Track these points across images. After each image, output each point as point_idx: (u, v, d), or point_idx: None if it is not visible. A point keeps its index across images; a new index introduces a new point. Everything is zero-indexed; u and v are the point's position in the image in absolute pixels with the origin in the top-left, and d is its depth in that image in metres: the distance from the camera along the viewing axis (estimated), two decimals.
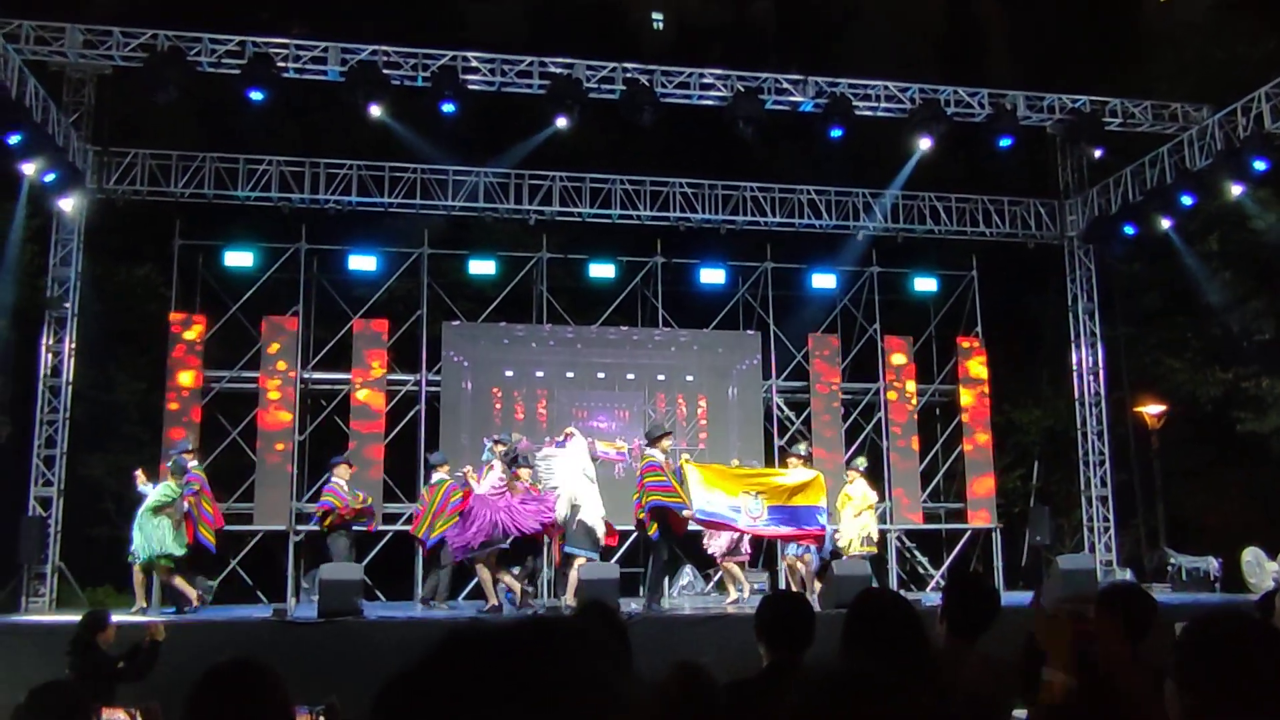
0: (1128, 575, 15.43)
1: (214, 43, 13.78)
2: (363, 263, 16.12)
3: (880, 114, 15.27)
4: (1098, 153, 15.85)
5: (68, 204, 14.47)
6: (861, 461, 13.69)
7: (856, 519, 12.83)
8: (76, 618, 8.88)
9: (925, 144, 15.08)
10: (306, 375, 16.06)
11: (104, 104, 14.71)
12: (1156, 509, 17.28)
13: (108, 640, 7.47)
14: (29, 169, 13.21)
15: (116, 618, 7.90)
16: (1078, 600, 2.90)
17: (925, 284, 17.69)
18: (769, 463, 16.48)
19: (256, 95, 13.47)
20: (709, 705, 2.96)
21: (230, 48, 13.78)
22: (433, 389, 16.12)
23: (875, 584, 11.69)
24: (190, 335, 15.42)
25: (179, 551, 11.53)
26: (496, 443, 12.19)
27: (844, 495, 13.04)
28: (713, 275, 16.93)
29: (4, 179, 13.65)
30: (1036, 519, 16.58)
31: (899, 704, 1.52)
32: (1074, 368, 17.71)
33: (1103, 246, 17.05)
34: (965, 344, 17.56)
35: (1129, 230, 16.23)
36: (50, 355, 14.51)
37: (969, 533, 17.25)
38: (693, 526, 12.36)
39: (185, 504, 11.77)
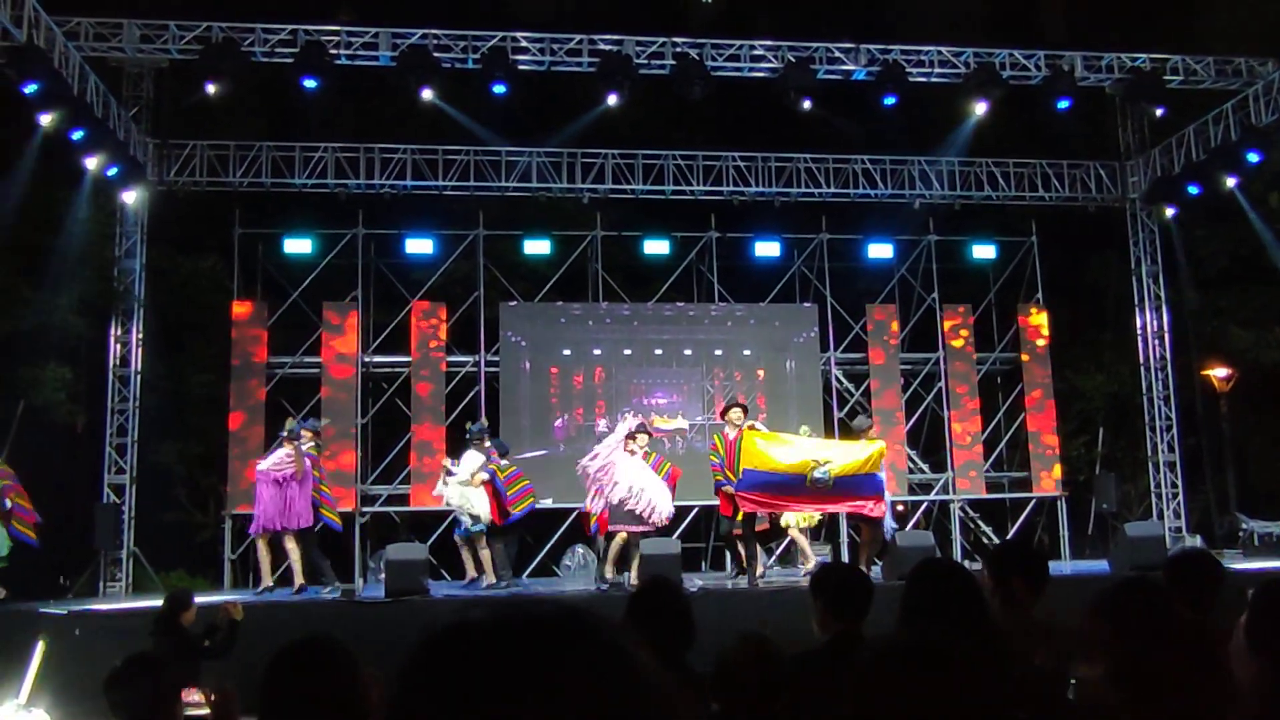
0: (1198, 542, 15.18)
1: (267, 33, 13.94)
2: (419, 246, 16.25)
3: (934, 80, 15.07)
4: (1159, 112, 15.49)
5: (130, 197, 14.77)
6: (805, 430, 13.31)
7: None
8: (152, 602, 9.11)
9: (981, 109, 14.87)
10: (367, 359, 16.26)
11: (162, 97, 14.96)
12: (1226, 474, 16.96)
13: (190, 619, 7.65)
14: (92, 163, 13.49)
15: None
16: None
17: (984, 251, 17.46)
18: (827, 434, 16.42)
19: (310, 83, 13.62)
20: (774, 675, 2.98)
21: (283, 37, 13.94)
22: (491, 370, 16.24)
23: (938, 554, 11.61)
24: (252, 322, 15.67)
25: (2, 551, 11.39)
26: (306, 430, 12.33)
27: None
28: (768, 248, 16.84)
29: (68, 174, 13.95)
30: (1102, 486, 16.35)
31: (962, 674, 1.52)
32: (1138, 332, 17.40)
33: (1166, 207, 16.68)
34: (1026, 310, 17.32)
35: (1193, 190, 15.89)
36: (119, 346, 14.86)
37: (1033, 502, 17.06)
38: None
39: (7, 501, 11.55)
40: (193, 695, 6.17)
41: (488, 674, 0.85)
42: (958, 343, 17.16)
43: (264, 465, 11.96)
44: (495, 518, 11.99)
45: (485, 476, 11.99)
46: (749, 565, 11.70)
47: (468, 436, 12.62)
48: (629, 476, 11.50)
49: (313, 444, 12.40)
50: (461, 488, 12.00)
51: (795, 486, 11.39)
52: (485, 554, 12.03)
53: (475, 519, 11.98)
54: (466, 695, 0.85)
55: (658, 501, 11.50)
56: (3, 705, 8.27)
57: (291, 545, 11.83)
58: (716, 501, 12.17)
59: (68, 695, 8.31)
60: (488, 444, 12.49)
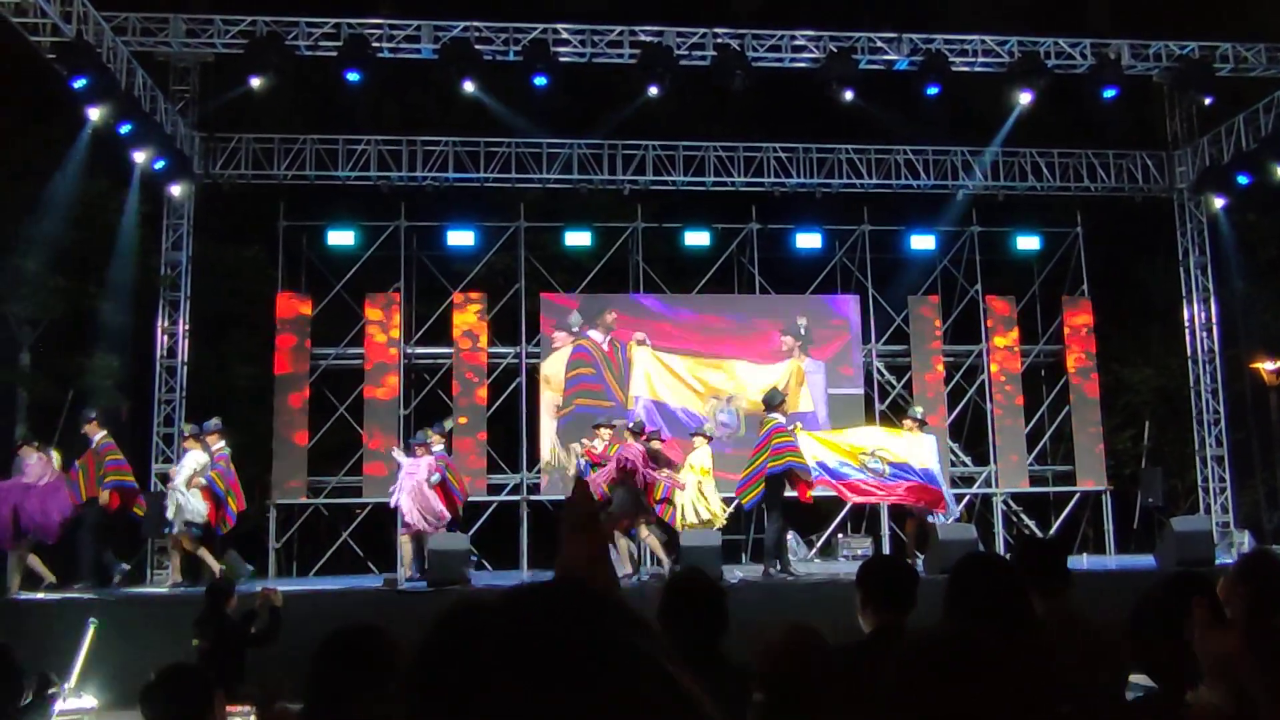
0: (1246, 537, 14.98)
1: (310, 26, 14.05)
2: (461, 238, 16.32)
3: (978, 69, 14.92)
4: (1208, 100, 15.24)
5: (177, 189, 14.97)
6: (710, 427, 12.98)
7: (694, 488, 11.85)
8: (197, 589, 9.24)
9: (1025, 98, 14.70)
10: (409, 350, 16.36)
11: (208, 91, 15.13)
12: (1276, 468, 16.70)
13: (233, 607, 7.76)
14: (140, 157, 13.69)
15: None
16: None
17: (1028, 242, 17.26)
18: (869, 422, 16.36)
19: (353, 76, 13.72)
20: (819, 665, 2.97)
21: (326, 30, 14.04)
22: (532, 361, 16.30)
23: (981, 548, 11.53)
24: (297, 314, 15.82)
25: None
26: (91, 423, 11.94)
27: (686, 464, 12.13)
28: (809, 240, 16.76)
29: (117, 167, 14.16)
30: (1149, 480, 16.15)
31: (1003, 667, 1.51)
32: (1186, 324, 17.14)
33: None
34: (1071, 302, 17.13)
35: (1242, 180, 15.62)
36: (165, 337, 15.05)
37: (1078, 495, 16.89)
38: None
39: None
40: (236, 709, 6.24)
41: (498, 650, 0.86)
42: (1001, 335, 16.99)
43: (29, 480, 11.14)
44: (214, 521, 11.67)
45: (204, 482, 11.59)
46: (775, 557, 11.75)
47: (183, 437, 12.05)
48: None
49: (103, 434, 11.80)
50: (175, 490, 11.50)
51: (850, 471, 11.55)
52: (204, 551, 11.59)
53: (189, 523, 11.49)
54: (476, 672, 0.86)
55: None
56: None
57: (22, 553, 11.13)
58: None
59: (115, 680, 8.46)
60: (220, 444, 12.09)
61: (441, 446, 12.72)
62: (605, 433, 12.08)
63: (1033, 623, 3.02)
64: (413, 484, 12.23)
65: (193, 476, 11.57)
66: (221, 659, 7.21)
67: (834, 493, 12.20)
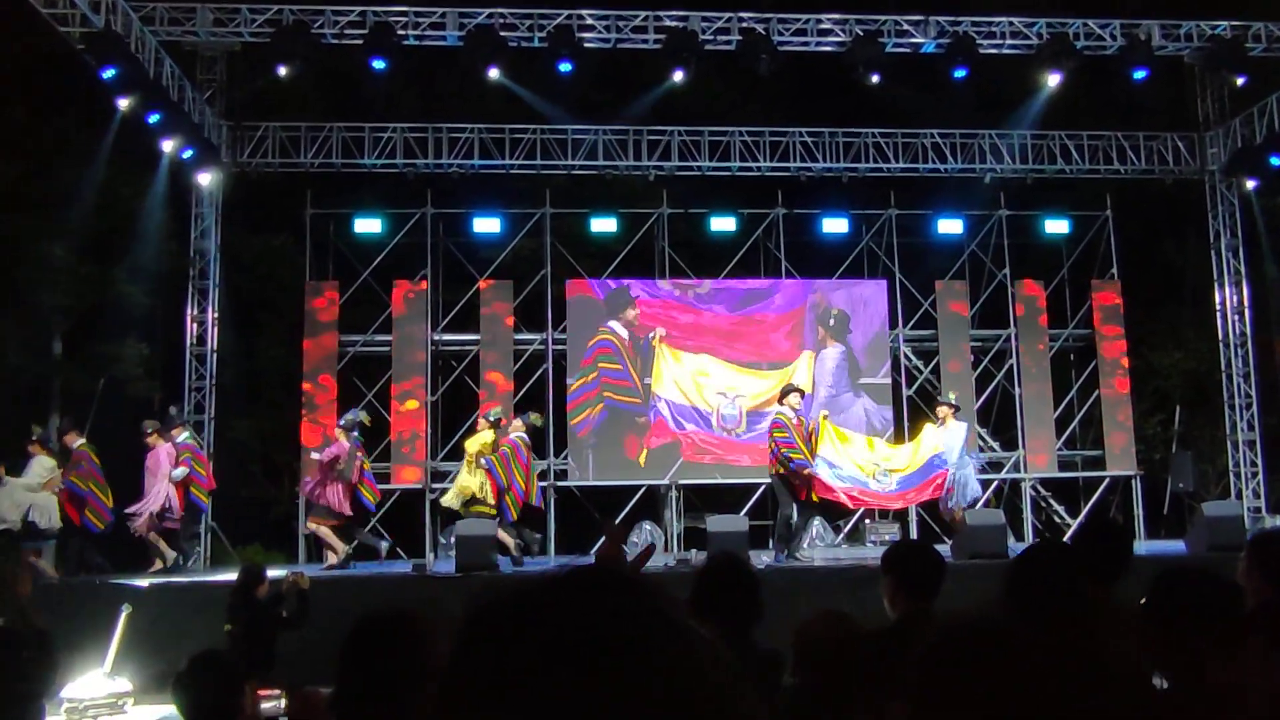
0: (1278, 522, 14.84)
1: (336, 14, 14.08)
2: (487, 225, 16.34)
3: (1006, 51, 14.79)
4: (1240, 80, 15.04)
5: (205, 178, 15.07)
6: (496, 411, 12.69)
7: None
8: (229, 575, 9.33)
9: (1054, 80, 14.57)
10: (436, 337, 16.42)
11: (235, 80, 15.20)
12: None
13: (263, 593, 7.84)
14: (168, 146, 13.79)
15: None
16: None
17: (1057, 226, 17.11)
18: (896, 412, 16.31)
19: (379, 64, 13.75)
20: (854, 651, 2.97)
21: (352, 19, 14.07)
22: (559, 347, 16.32)
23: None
24: (324, 301, 15.91)
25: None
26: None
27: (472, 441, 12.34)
28: (835, 224, 16.67)
29: (145, 156, 14.27)
30: (1179, 465, 16.03)
31: (1034, 656, 1.51)
32: (1217, 308, 16.97)
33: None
34: (1100, 286, 16.98)
35: (1275, 161, 15.43)
36: (195, 325, 15.17)
37: (1107, 480, 16.78)
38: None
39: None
40: (271, 692, 6.29)
41: (535, 641, 0.85)
42: (1029, 319, 16.87)
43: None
44: (76, 521, 11.46)
45: (61, 485, 11.35)
46: (786, 544, 11.75)
47: (29, 441, 11.64)
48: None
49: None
50: (29, 495, 11.19)
51: (860, 483, 11.51)
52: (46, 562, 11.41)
53: (42, 531, 11.23)
54: (515, 666, 0.84)
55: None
56: (88, 674, 8.55)
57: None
58: None
59: (149, 665, 8.57)
60: (80, 441, 11.83)
61: (186, 435, 12.37)
62: (339, 432, 12.39)
63: (1085, 618, 2.99)
64: (150, 474, 12.07)
65: (44, 482, 11.32)
66: (252, 644, 7.29)
67: (835, 501, 12.04)
